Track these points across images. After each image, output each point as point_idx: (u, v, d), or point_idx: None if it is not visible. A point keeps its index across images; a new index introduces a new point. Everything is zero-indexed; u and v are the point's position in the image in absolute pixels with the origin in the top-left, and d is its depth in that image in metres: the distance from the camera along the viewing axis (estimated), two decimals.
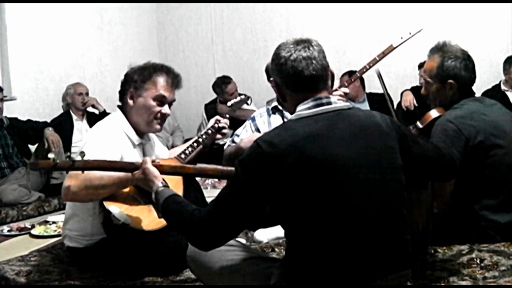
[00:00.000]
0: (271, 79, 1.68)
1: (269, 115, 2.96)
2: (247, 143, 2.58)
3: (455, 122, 2.22)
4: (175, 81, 2.40)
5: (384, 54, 2.95)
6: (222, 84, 5.49)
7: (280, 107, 2.93)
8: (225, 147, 2.93)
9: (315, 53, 1.58)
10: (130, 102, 2.34)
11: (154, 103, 2.32)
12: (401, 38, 2.96)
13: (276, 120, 2.91)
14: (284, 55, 1.58)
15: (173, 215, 1.67)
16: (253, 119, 3.00)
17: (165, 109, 2.35)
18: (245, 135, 2.93)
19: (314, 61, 1.57)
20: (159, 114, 2.35)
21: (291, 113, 1.64)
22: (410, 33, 2.98)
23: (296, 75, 1.57)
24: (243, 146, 2.64)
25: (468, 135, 2.20)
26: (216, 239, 1.57)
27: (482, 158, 2.22)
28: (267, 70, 2.94)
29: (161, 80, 2.34)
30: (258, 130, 2.93)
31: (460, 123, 2.22)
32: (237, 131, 2.95)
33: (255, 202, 1.52)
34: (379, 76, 3.40)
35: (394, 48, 2.97)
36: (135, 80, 2.33)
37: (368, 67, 2.97)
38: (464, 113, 2.27)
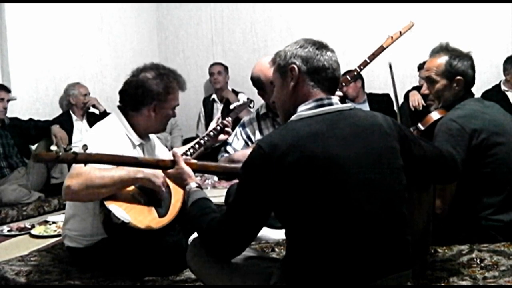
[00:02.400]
0: (294, 66, 1.61)
1: (259, 122, 2.91)
2: (240, 156, 2.57)
3: (459, 121, 2.24)
4: (183, 84, 2.45)
5: (374, 55, 2.94)
6: (210, 66, 5.89)
7: (270, 114, 2.90)
8: (218, 157, 2.92)
9: (338, 61, 1.65)
10: (152, 113, 2.35)
11: (171, 113, 2.41)
12: (391, 38, 2.95)
13: (267, 126, 2.88)
14: (317, 49, 1.61)
15: (194, 222, 1.68)
16: (243, 126, 2.94)
17: (175, 113, 2.45)
18: (237, 143, 2.91)
19: (339, 68, 1.65)
20: (169, 120, 2.47)
21: (286, 108, 1.64)
22: (400, 32, 2.97)
23: (329, 71, 1.61)
24: (236, 158, 2.62)
25: (471, 133, 2.22)
26: (233, 246, 1.58)
27: (484, 156, 2.24)
28: (253, 80, 2.83)
29: (177, 88, 2.40)
30: (248, 137, 2.90)
31: (464, 122, 2.24)
32: (229, 139, 2.92)
33: (264, 204, 1.52)
34: (390, 67, 3.40)
35: (385, 48, 2.96)
36: (160, 93, 2.33)
37: (358, 69, 2.97)
38: (466, 112, 2.29)
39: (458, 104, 2.37)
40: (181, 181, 1.89)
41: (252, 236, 1.60)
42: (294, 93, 1.62)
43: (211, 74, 5.85)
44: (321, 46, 1.63)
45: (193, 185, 1.83)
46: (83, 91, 4.86)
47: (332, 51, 1.65)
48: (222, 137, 2.65)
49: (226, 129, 2.64)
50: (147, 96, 2.33)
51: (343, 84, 2.80)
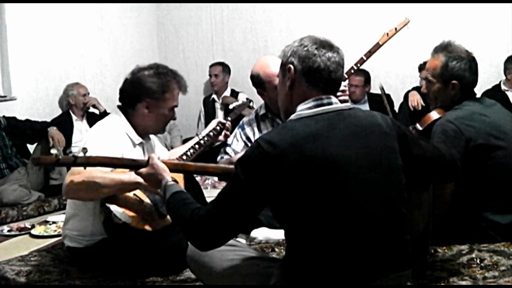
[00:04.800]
0: (291, 66, 1.60)
1: (258, 123, 2.90)
2: None
3: (456, 123, 2.22)
4: (183, 85, 2.43)
5: (370, 53, 2.94)
6: (210, 67, 5.83)
7: (269, 115, 2.89)
8: (218, 158, 2.92)
9: (342, 62, 1.62)
10: (145, 111, 2.34)
11: (168, 113, 2.38)
12: (387, 34, 2.95)
13: (266, 127, 2.88)
14: (317, 49, 1.58)
15: (175, 212, 1.67)
16: (242, 128, 2.94)
17: (173, 115, 2.42)
18: (236, 145, 2.91)
19: (341, 69, 1.62)
20: (168, 121, 2.43)
21: (285, 106, 1.63)
22: (396, 29, 2.97)
23: (325, 73, 1.58)
24: (235, 161, 2.62)
25: (468, 136, 2.20)
26: (215, 239, 1.57)
27: (482, 159, 2.22)
28: (253, 77, 2.83)
29: (176, 88, 2.38)
30: (248, 138, 2.90)
31: (461, 123, 2.21)
32: (228, 140, 2.92)
33: (255, 202, 1.52)
34: (382, 89, 3.42)
35: (381, 45, 2.96)
36: (154, 91, 2.32)
37: (355, 67, 2.97)
38: (465, 113, 2.27)
39: (457, 104, 2.34)
40: (156, 177, 1.89)
41: (238, 230, 1.59)
42: (291, 92, 1.61)
43: (210, 75, 5.83)
44: (322, 45, 1.60)
45: (168, 179, 1.82)
46: (82, 91, 4.86)
47: (335, 51, 1.61)
48: (220, 138, 2.66)
49: (225, 132, 2.64)
50: (142, 93, 2.33)
51: None
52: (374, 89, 5.34)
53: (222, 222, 1.53)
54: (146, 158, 2.18)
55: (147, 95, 2.33)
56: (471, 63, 2.34)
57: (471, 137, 2.20)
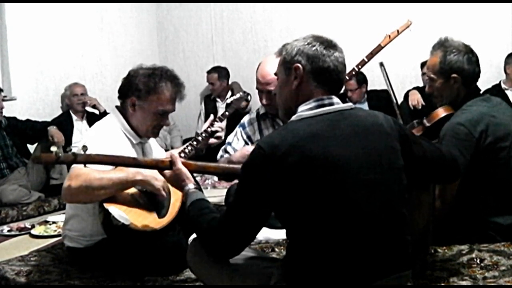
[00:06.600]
0: (298, 65, 1.58)
1: (259, 122, 2.91)
2: (239, 158, 2.58)
3: (466, 125, 2.21)
4: (179, 93, 2.37)
5: (372, 54, 2.95)
6: (207, 73, 5.80)
7: (269, 114, 2.88)
8: (218, 157, 2.92)
9: (345, 62, 1.62)
10: (130, 109, 2.33)
11: (154, 117, 2.32)
12: (389, 36, 2.95)
13: (267, 127, 2.89)
14: (325, 49, 1.58)
15: (193, 222, 1.68)
16: (243, 126, 2.94)
17: (164, 121, 2.36)
18: (237, 144, 2.91)
19: (345, 70, 1.63)
20: (157, 126, 2.36)
21: (287, 105, 1.63)
22: (398, 31, 2.97)
23: (334, 73, 1.58)
24: (235, 160, 2.61)
25: (478, 137, 2.20)
26: (232, 246, 1.58)
27: (489, 160, 2.22)
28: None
29: (165, 93, 2.30)
30: (249, 137, 2.90)
31: (471, 126, 2.20)
32: (229, 138, 2.91)
33: (264, 204, 1.52)
34: (382, 66, 3.38)
35: (383, 47, 2.96)
36: (139, 89, 2.28)
37: (357, 69, 2.97)
38: (474, 115, 2.25)
39: (465, 104, 2.31)
40: (178, 182, 1.88)
41: (252, 237, 1.60)
42: (297, 92, 1.60)
43: (207, 80, 5.79)
44: (329, 45, 1.60)
45: (191, 186, 1.82)
46: (76, 91, 4.86)
47: (340, 51, 1.61)
48: (213, 140, 2.64)
49: (218, 134, 2.63)
50: (129, 89, 2.31)
51: None
52: (373, 86, 5.35)
53: (236, 230, 1.54)
54: (150, 157, 2.19)
55: (132, 93, 2.30)
56: (469, 55, 2.32)
57: (481, 139, 2.20)
